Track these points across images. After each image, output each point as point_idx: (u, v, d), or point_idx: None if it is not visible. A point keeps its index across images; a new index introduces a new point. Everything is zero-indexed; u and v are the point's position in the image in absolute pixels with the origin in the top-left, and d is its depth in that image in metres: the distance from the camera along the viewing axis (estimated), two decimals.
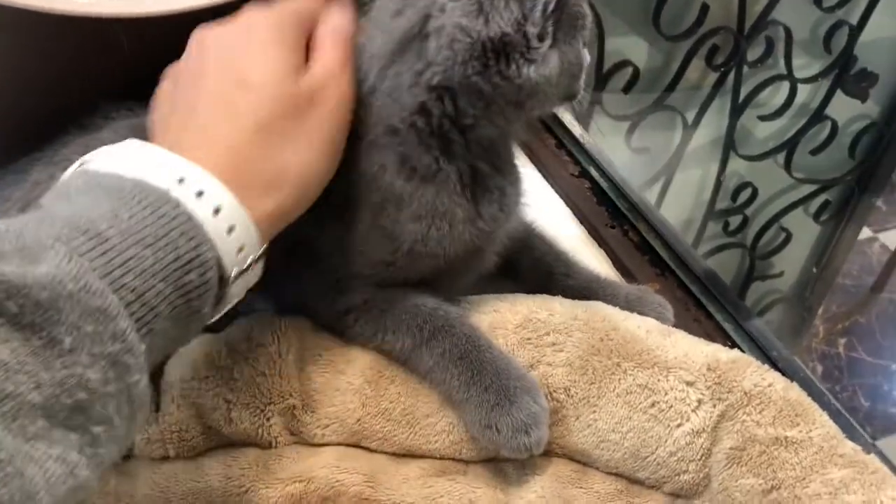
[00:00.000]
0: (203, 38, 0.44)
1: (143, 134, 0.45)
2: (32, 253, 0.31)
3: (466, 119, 0.45)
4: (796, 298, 1.55)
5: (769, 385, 0.46)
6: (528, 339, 0.49)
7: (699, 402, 0.46)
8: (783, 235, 1.46)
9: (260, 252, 0.40)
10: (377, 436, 0.48)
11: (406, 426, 0.48)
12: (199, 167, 0.37)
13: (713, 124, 1.35)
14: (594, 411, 0.48)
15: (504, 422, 0.45)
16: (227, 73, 0.42)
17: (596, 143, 0.74)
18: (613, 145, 1.26)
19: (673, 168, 1.36)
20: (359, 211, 0.46)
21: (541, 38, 0.42)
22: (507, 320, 0.50)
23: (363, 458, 0.48)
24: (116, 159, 0.37)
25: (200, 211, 0.36)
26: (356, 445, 0.48)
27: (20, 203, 0.49)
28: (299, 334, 0.49)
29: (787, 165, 1.40)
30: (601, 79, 1.19)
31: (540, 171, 0.71)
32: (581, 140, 0.73)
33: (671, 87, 1.27)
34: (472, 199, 0.47)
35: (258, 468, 0.47)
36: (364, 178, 0.46)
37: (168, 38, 0.46)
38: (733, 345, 0.58)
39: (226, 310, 0.40)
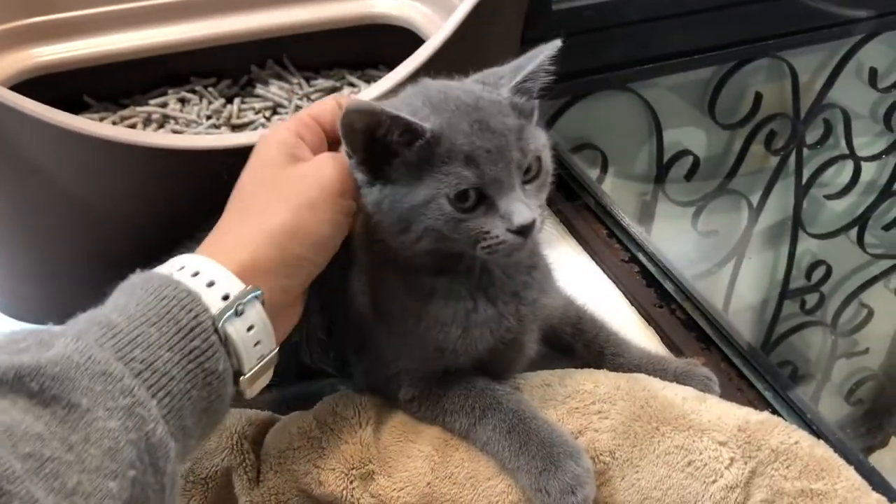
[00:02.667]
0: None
1: None
2: (46, 343, 0.38)
3: (394, 245, 0.51)
4: (885, 375, 1.52)
5: (795, 442, 0.51)
6: (577, 408, 0.56)
7: (731, 459, 0.51)
8: (865, 312, 1.46)
9: (247, 298, 0.44)
10: (445, 497, 0.54)
11: (470, 488, 0.54)
12: (191, 255, 0.45)
13: (779, 205, 1.39)
14: (637, 471, 0.53)
15: (552, 485, 0.50)
16: (236, 190, 0.50)
17: (645, 230, 0.80)
18: (679, 229, 1.31)
19: (743, 249, 1.40)
20: (392, 323, 0.54)
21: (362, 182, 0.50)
22: (556, 392, 0.56)
23: None
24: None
25: (193, 284, 0.43)
26: None
27: None
28: (377, 409, 0.56)
29: (861, 242, 1.42)
30: (662, 168, 1.26)
31: (593, 258, 0.78)
32: (629, 229, 0.79)
33: (733, 173, 1.32)
34: (490, 302, 0.53)
35: None
36: (386, 297, 0.54)
37: None
38: (773, 411, 0.62)
39: (265, 364, 0.46)
